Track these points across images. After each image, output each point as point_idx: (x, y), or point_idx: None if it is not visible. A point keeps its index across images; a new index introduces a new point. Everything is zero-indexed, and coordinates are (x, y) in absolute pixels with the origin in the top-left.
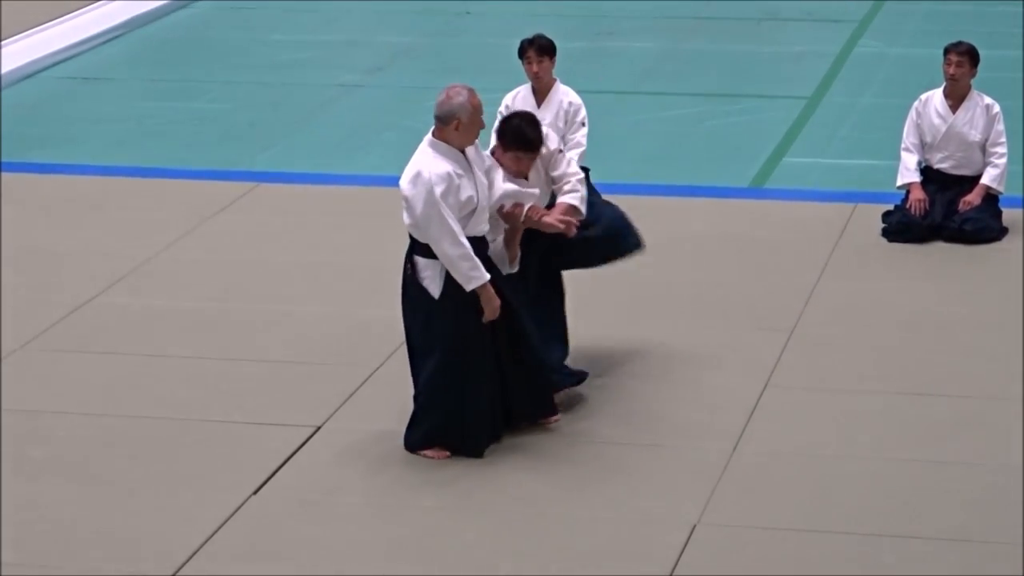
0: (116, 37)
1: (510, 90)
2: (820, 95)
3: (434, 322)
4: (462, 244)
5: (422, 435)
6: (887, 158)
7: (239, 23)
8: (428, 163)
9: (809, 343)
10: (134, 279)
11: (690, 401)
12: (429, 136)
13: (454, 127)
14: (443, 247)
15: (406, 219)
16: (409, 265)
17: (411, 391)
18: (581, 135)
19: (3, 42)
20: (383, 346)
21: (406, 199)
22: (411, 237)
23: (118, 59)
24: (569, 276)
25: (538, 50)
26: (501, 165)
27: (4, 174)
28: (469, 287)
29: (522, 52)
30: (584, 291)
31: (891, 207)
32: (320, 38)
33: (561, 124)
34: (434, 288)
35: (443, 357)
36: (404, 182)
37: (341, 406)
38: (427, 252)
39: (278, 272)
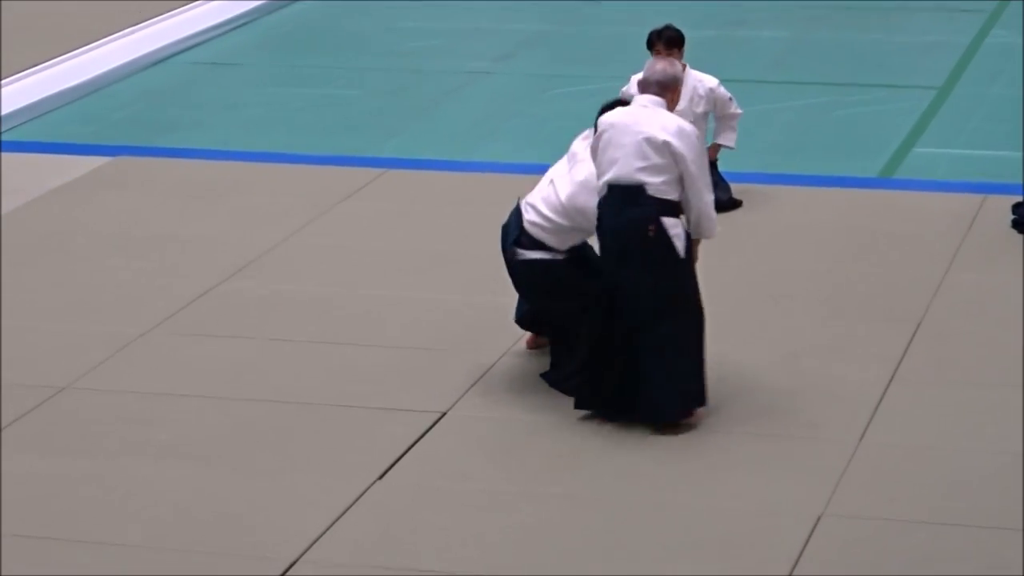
0: (246, 23)
1: None
2: (950, 85)
3: (678, 282)
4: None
5: (691, 398)
6: (1018, 149)
7: (367, 10)
8: (678, 118)
9: (937, 335)
10: (261, 264)
11: (816, 392)
12: (654, 97)
13: (672, 95)
14: (706, 196)
15: (656, 178)
16: (652, 227)
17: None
18: (735, 107)
19: (135, 28)
20: (509, 333)
21: (676, 154)
22: (648, 200)
23: (248, 45)
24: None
25: (667, 42)
26: None
27: (134, 158)
28: (712, 234)
29: (651, 44)
30: (710, 281)
31: (1021, 199)
32: (448, 26)
33: (699, 109)
34: (680, 246)
35: (693, 315)
36: (669, 136)
37: (467, 392)
38: (673, 211)
39: (404, 258)
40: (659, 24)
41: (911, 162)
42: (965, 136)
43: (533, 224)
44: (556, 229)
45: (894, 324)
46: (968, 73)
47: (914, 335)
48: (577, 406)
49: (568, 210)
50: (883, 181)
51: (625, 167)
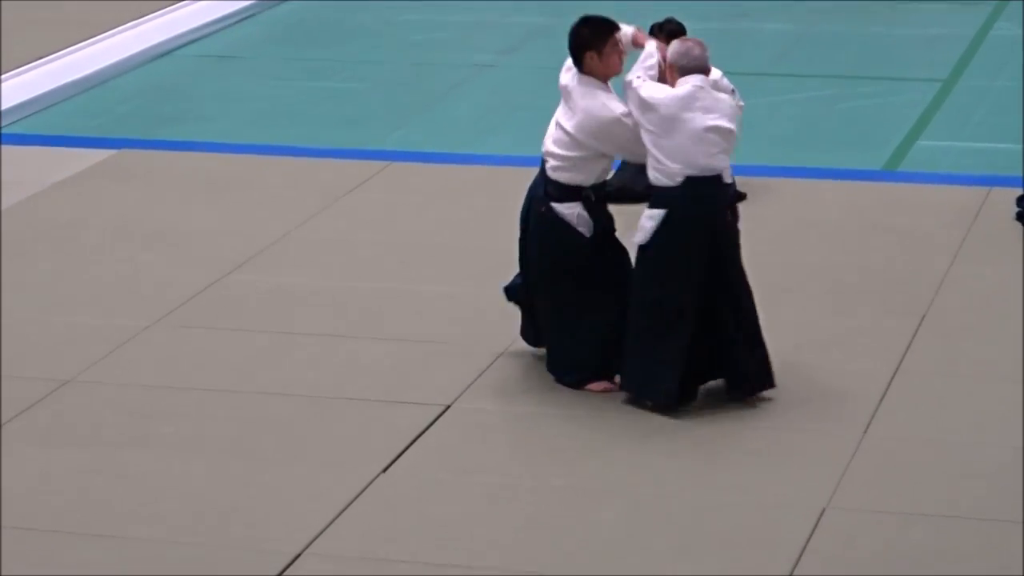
0: (251, 16)
1: None
2: (955, 78)
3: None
4: None
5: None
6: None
7: (371, 4)
8: (727, 98)
9: (941, 328)
10: (266, 257)
11: (820, 385)
12: (704, 77)
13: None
14: None
15: (726, 163)
16: (729, 212)
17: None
18: (738, 100)
19: (139, 21)
20: (513, 325)
21: (734, 136)
22: (726, 187)
23: (253, 38)
24: None
25: (668, 35)
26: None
27: (138, 151)
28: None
29: (652, 36)
30: None
31: None
32: (453, 18)
33: None
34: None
35: None
36: (733, 125)
37: (471, 385)
38: None
39: (409, 251)
40: (661, 17)
41: (915, 155)
42: (970, 129)
43: (556, 169)
44: (575, 164)
45: (898, 317)
46: (972, 66)
47: (918, 328)
48: (683, 400)
49: (580, 141)
50: (887, 174)
51: (703, 156)
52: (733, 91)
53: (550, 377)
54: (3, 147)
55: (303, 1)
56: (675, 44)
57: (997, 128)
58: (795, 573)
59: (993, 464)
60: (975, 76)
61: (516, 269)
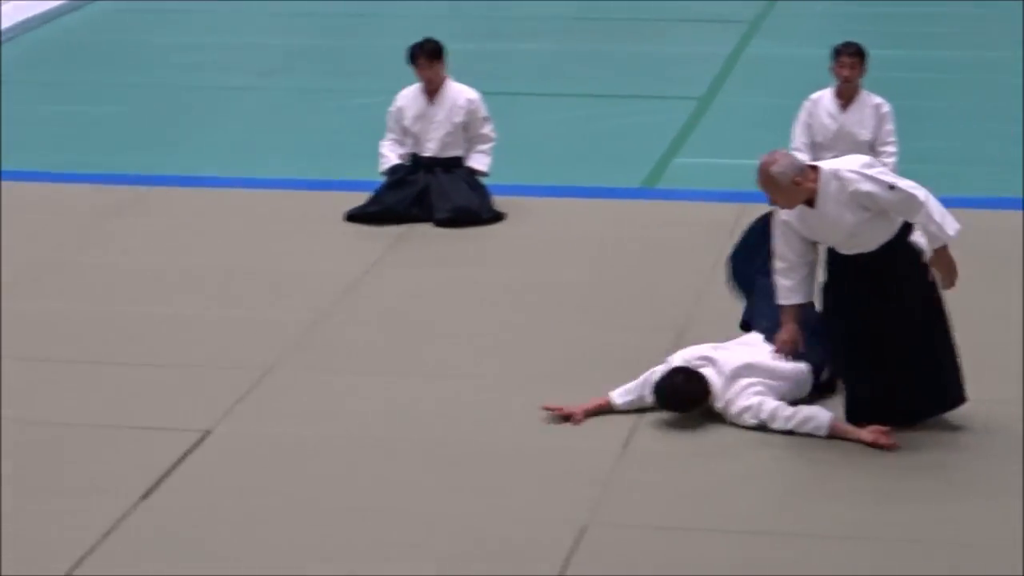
0: (8, 40)
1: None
2: (711, 96)
3: None
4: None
5: None
6: None
7: (132, 26)
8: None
9: (698, 342)
10: (24, 284)
11: (580, 400)
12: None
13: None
14: None
15: None
16: None
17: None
18: (489, 130)
19: None
20: (274, 349)
21: None
22: None
23: (11, 62)
24: (458, 278)
25: (428, 55)
26: None
27: None
28: None
29: (413, 58)
30: (471, 294)
31: None
32: (213, 40)
33: (457, 119)
34: None
35: None
36: None
37: (231, 409)
38: None
39: (170, 276)
40: (423, 36)
41: (673, 172)
42: (726, 146)
43: None
44: None
45: (657, 332)
46: (729, 83)
47: (676, 342)
48: None
49: None
50: (645, 191)
51: None
52: (486, 119)
53: (311, 398)
54: None
55: (62, 21)
56: (785, 163)
57: (751, 144)
58: None
59: (754, 475)
60: (731, 94)
61: (272, 292)
